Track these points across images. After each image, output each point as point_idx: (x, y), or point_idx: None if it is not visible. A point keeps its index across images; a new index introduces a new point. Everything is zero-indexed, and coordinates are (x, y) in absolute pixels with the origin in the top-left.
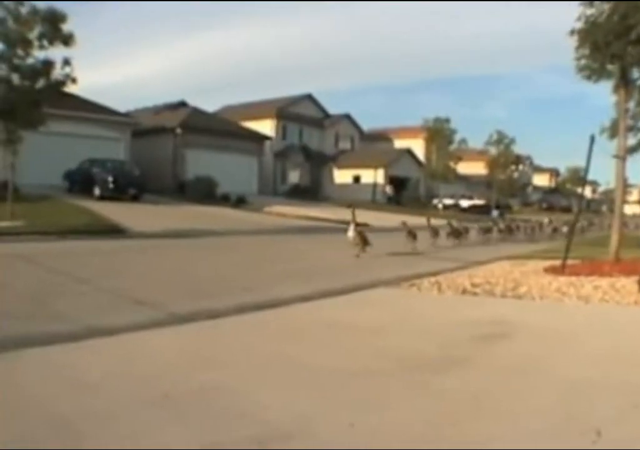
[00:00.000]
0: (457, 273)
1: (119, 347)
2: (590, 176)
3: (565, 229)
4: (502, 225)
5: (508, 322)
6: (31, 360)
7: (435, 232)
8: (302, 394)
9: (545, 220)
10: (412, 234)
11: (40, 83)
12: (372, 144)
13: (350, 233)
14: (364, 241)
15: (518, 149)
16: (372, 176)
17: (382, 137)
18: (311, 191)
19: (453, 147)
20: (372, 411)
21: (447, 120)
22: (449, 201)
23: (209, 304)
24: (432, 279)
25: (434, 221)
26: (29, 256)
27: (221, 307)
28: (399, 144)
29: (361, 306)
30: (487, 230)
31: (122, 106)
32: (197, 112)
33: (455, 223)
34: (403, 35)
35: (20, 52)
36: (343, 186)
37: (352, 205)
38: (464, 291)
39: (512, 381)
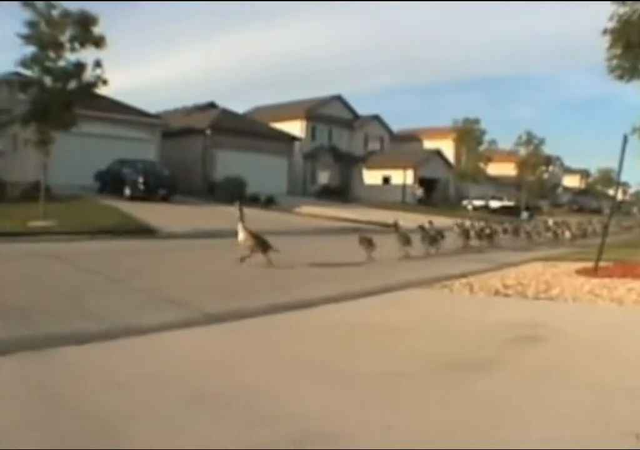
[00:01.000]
0: (489, 274)
1: (151, 346)
2: (622, 177)
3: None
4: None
5: (541, 324)
6: (65, 359)
7: (465, 233)
8: (335, 395)
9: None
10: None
11: (72, 85)
12: (402, 144)
13: (241, 235)
14: (261, 245)
15: (548, 149)
16: (402, 177)
17: (411, 137)
18: (340, 192)
19: (483, 147)
20: (407, 413)
21: (477, 121)
22: (478, 202)
23: (239, 304)
24: (464, 280)
25: (463, 222)
26: (62, 255)
27: (251, 308)
28: (429, 144)
29: (392, 307)
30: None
31: (152, 107)
32: (226, 113)
33: (479, 224)
34: (432, 35)
35: (52, 54)
36: (372, 187)
37: (239, 202)
38: (496, 292)
39: (545, 385)
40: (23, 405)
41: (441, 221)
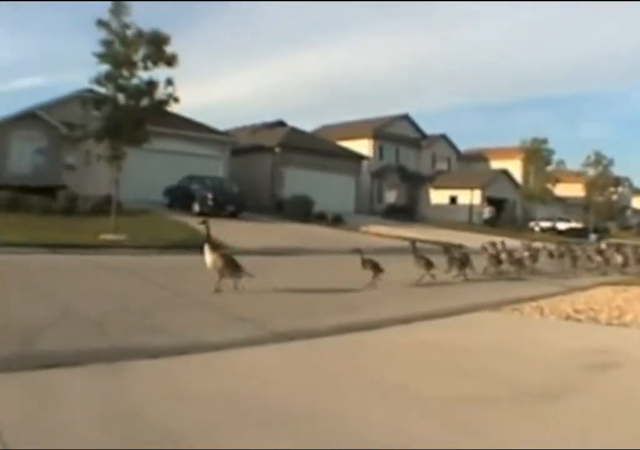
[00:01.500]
0: (559, 298)
1: (224, 362)
2: None
3: None
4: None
5: (616, 351)
6: (140, 372)
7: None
8: (409, 418)
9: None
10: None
11: (144, 102)
12: (469, 164)
13: (208, 257)
14: (230, 267)
15: (617, 170)
16: (469, 197)
17: (478, 157)
18: (407, 211)
19: (551, 168)
20: (481, 436)
21: (545, 141)
22: (545, 224)
23: (307, 323)
24: (534, 304)
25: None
26: (133, 269)
27: (320, 327)
28: (496, 164)
29: (464, 330)
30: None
31: (220, 124)
32: (295, 131)
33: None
34: (500, 53)
35: (125, 73)
36: (439, 207)
37: (205, 220)
38: (567, 317)
39: (623, 412)
40: (101, 416)
41: (509, 243)
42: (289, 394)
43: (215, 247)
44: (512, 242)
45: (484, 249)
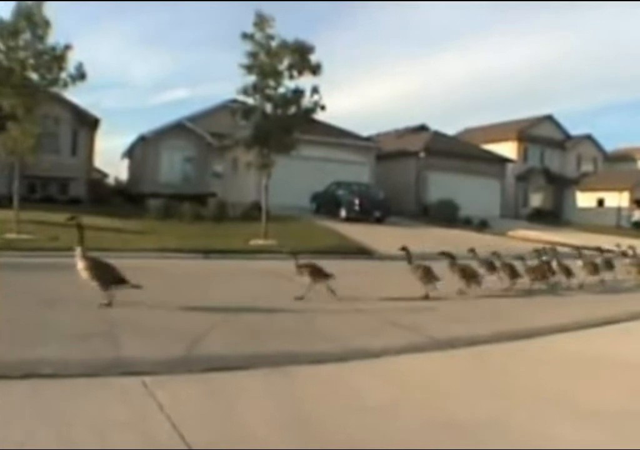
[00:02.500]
0: None
1: (390, 369)
2: None
3: None
4: None
5: None
6: (306, 378)
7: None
8: (592, 433)
9: None
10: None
11: (291, 111)
12: (616, 165)
13: (79, 263)
14: (103, 277)
15: None
16: (617, 200)
17: (626, 157)
18: (552, 215)
19: None
20: None
21: None
22: None
23: (465, 330)
24: None
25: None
26: (285, 274)
27: (479, 334)
28: None
29: (624, 340)
30: None
31: (364, 130)
32: (438, 135)
33: None
34: None
35: (272, 82)
36: (586, 210)
37: (73, 217)
38: None
39: None
40: (276, 419)
41: None
42: (460, 402)
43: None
44: None
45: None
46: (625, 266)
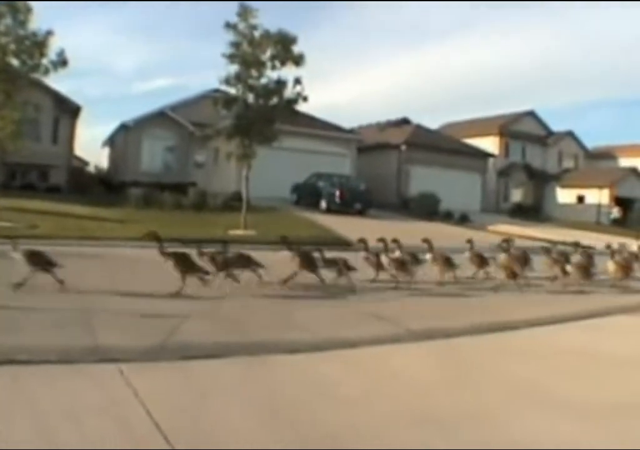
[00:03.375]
0: None
1: (365, 360)
2: None
3: None
4: None
5: None
6: (281, 366)
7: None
8: (562, 425)
9: None
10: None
11: (274, 101)
12: (596, 162)
13: None
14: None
15: None
16: (597, 196)
17: (606, 155)
18: (533, 210)
19: None
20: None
21: None
22: None
23: (443, 323)
24: None
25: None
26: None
27: (456, 327)
28: (625, 162)
29: (601, 334)
30: None
31: (346, 123)
32: (420, 129)
33: None
34: (629, 46)
35: (254, 72)
36: (566, 206)
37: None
38: None
39: None
40: (249, 406)
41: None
42: (436, 394)
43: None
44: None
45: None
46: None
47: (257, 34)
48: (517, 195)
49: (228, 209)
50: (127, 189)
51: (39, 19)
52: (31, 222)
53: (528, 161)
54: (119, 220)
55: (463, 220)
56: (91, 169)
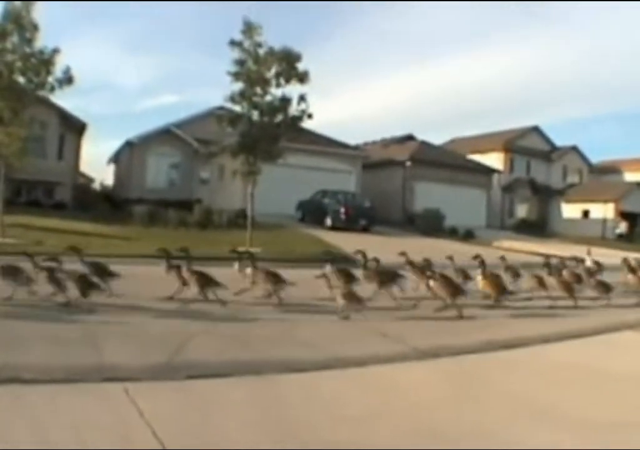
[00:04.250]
0: None
1: (372, 378)
2: None
3: None
4: None
5: None
6: (287, 385)
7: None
8: (567, 443)
9: None
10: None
11: (278, 119)
12: (601, 177)
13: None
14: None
15: None
16: (602, 211)
17: (611, 169)
18: (538, 226)
19: None
20: None
21: None
22: None
23: (450, 340)
24: None
25: None
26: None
27: (463, 344)
28: (630, 177)
29: (610, 351)
30: None
31: (351, 139)
32: (425, 145)
33: None
34: (632, 61)
35: (259, 90)
36: (571, 221)
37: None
38: None
39: None
40: (255, 427)
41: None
42: (442, 412)
43: None
44: None
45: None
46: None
47: (261, 51)
48: (522, 211)
49: (233, 226)
50: (132, 206)
51: (45, 36)
52: (36, 238)
53: (532, 176)
54: (125, 238)
55: (468, 236)
56: (96, 185)
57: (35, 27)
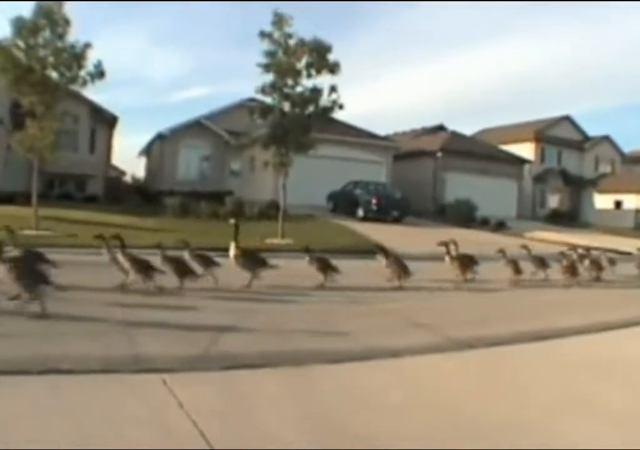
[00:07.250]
0: None
1: (407, 369)
2: None
3: None
4: None
5: None
6: (324, 376)
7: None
8: (608, 436)
9: None
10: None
11: (309, 110)
12: (634, 166)
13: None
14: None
15: None
16: (635, 202)
17: None
18: (570, 216)
19: None
20: None
21: None
22: None
23: (486, 331)
24: None
25: None
26: (302, 273)
27: (499, 335)
28: None
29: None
30: None
31: (381, 130)
32: (456, 135)
33: None
34: None
35: (290, 81)
36: (603, 212)
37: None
38: None
39: None
40: (296, 421)
41: None
42: (477, 403)
43: None
44: None
45: None
46: None
47: (292, 42)
48: (553, 202)
49: (265, 217)
50: (163, 198)
51: (77, 31)
52: (70, 230)
53: (564, 167)
54: (157, 230)
55: (500, 227)
56: (128, 178)
57: (67, 22)
